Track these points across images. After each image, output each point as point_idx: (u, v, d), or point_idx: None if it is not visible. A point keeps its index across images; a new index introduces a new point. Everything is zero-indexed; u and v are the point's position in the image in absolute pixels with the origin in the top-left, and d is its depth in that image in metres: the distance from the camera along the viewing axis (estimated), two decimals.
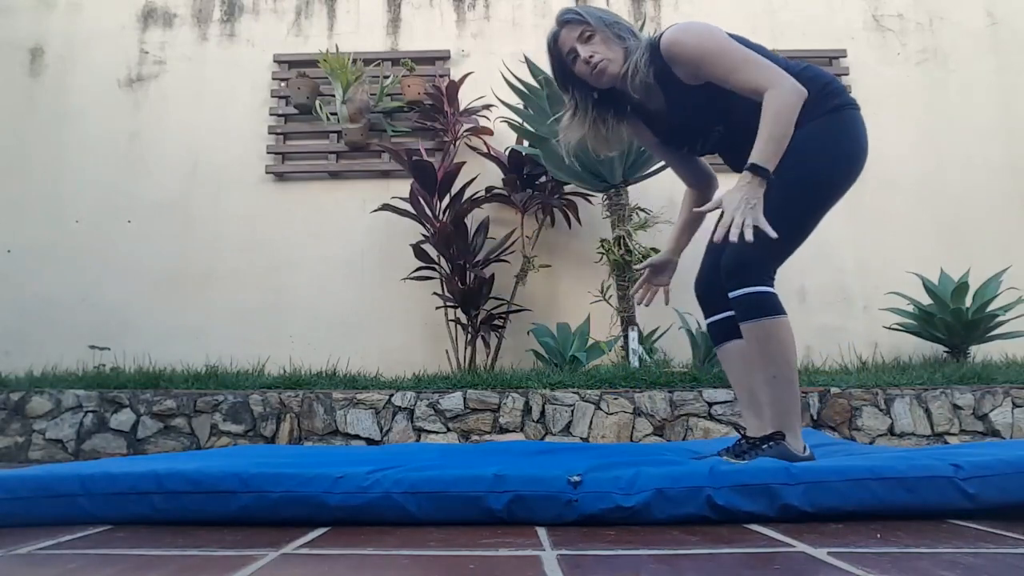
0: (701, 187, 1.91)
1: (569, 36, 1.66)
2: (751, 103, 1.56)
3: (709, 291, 1.78)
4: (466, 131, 3.63)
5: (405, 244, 3.40)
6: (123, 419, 2.65)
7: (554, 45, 1.71)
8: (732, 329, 1.70)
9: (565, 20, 1.67)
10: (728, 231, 1.46)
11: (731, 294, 1.55)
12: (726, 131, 1.65)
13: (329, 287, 3.67)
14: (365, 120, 3.69)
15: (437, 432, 2.59)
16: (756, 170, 1.49)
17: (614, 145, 1.83)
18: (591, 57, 1.63)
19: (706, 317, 1.81)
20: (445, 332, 3.39)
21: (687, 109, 1.67)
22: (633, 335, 3.03)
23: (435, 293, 3.41)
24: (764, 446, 1.50)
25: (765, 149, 1.49)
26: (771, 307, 1.52)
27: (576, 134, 1.78)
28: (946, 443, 2.49)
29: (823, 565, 0.89)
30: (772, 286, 1.54)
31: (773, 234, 1.45)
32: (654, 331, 3.28)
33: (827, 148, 1.57)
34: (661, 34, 1.61)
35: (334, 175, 3.81)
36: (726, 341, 1.76)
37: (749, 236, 1.44)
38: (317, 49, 3.79)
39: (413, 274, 3.39)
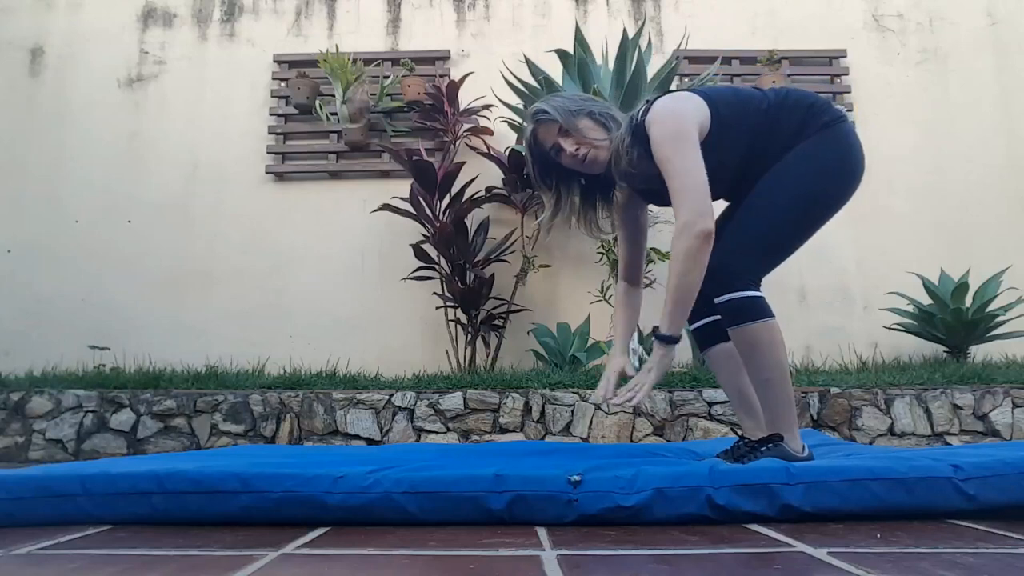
0: (634, 279, 1.87)
1: (548, 133, 1.62)
2: (743, 155, 1.59)
3: None
4: (466, 131, 3.63)
5: (405, 244, 3.40)
6: (123, 419, 2.65)
7: (534, 143, 1.65)
8: (717, 333, 1.71)
9: (539, 120, 1.62)
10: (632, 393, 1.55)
11: (716, 299, 1.54)
12: (721, 184, 1.62)
13: (329, 287, 3.67)
14: (365, 120, 3.69)
15: (437, 432, 2.59)
16: (665, 340, 1.54)
17: (606, 226, 1.80)
18: (577, 151, 1.59)
19: (689, 323, 1.79)
20: (445, 332, 3.39)
21: None
22: (633, 335, 3.03)
23: (435, 293, 3.41)
24: (763, 448, 1.50)
25: (672, 317, 1.52)
26: (759, 311, 1.51)
27: (566, 223, 1.74)
28: (946, 443, 2.49)
29: (823, 565, 0.89)
30: (758, 289, 1.53)
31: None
32: (655, 330, 3.27)
33: (820, 163, 1.57)
34: (644, 112, 1.60)
35: (334, 175, 3.81)
36: (712, 345, 1.76)
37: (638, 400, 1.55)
38: (317, 49, 3.79)
39: (413, 274, 3.39)
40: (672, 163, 1.52)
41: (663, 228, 3.25)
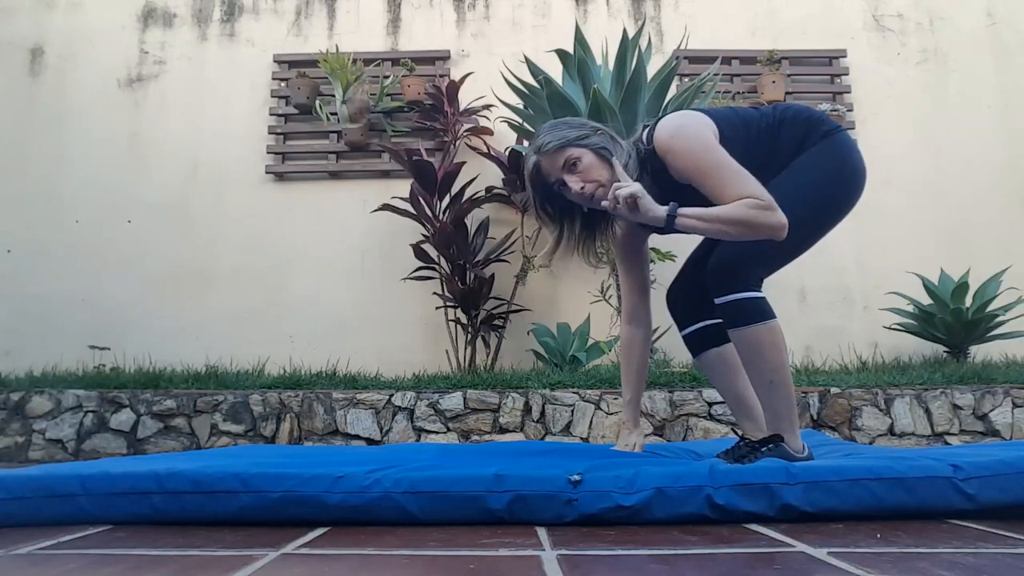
0: (639, 319, 1.83)
1: (553, 166, 1.57)
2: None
3: (686, 300, 1.78)
4: (466, 131, 3.63)
5: (405, 244, 3.40)
6: (123, 419, 2.65)
7: (537, 175, 1.61)
8: (709, 338, 1.70)
9: (544, 151, 1.57)
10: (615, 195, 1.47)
11: (718, 300, 1.52)
12: None
13: (329, 287, 3.67)
14: (365, 120, 3.69)
15: (437, 432, 2.59)
16: (672, 213, 1.44)
17: (606, 255, 1.79)
18: (583, 188, 1.56)
19: (681, 329, 1.79)
20: (445, 332, 3.39)
21: (687, 197, 1.56)
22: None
23: (435, 293, 3.41)
24: (763, 448, 1.50)
25: (703, 215, 1.43)
26: (761, 312, 1.50)
27: (570, 255, 1.72)
28: (946, 443, 2.49)
29: (823, 565, 0.89)
30: (760, 290, 1.52)
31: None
32: (654, 331, 3.26)
33: (824, 167, 1.57)
34: (650, 134, 1.57)
35: (334, 175, 3.81)
36: (704, 351, 1.76)
37: (619, 204, 1.45)
38: (317, 49, 3.79)
39: (413, 274, 3.39)
40: (720, 170, 1.45)
41: None
